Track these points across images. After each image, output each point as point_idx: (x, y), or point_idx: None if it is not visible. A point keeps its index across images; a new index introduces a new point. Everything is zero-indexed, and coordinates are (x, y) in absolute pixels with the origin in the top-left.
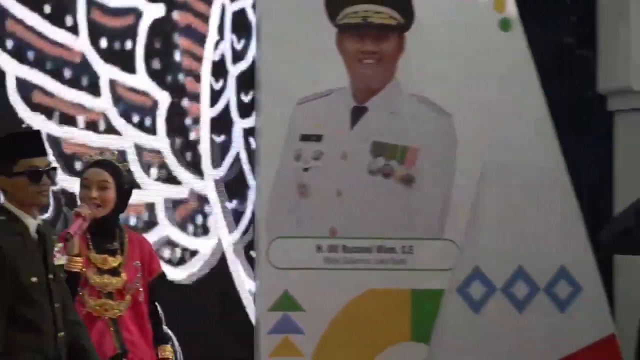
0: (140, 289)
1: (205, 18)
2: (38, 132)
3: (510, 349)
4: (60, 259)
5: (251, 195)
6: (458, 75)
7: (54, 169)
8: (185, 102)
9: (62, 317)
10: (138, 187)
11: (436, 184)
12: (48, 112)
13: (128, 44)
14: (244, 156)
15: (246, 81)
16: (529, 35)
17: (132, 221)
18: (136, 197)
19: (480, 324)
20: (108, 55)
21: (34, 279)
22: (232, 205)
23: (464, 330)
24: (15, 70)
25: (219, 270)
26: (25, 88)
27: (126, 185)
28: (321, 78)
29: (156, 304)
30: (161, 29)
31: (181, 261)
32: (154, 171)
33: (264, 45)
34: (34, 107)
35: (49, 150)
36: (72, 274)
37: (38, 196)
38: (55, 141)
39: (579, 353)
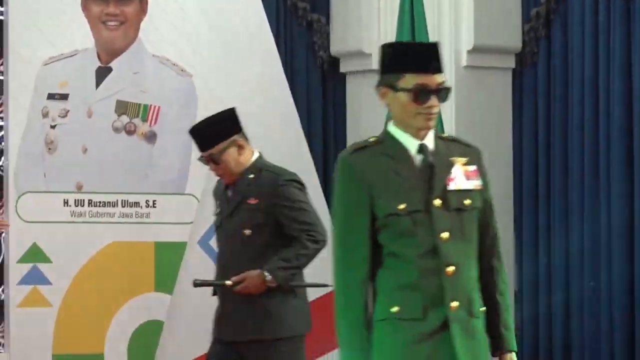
0: None
1: None
2: (435, 46)
3: None
4: (459, 185)
5: None
6: (198, 37)
7: (447, 89)
8: None
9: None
10: None
11: (177, 141)
12: None
13: None
14: None
15: None
16: (265, 0)
17: None
18: None
19: None
20: None
21: (402, 206)
22: None
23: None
24: None
25: None
26: None
27: None
28: (67, 39)
29: None
30: None
31: None
32: None
33: (11, 8)
34: None
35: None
36: None
37: (418, 117)
38: None
39: None
